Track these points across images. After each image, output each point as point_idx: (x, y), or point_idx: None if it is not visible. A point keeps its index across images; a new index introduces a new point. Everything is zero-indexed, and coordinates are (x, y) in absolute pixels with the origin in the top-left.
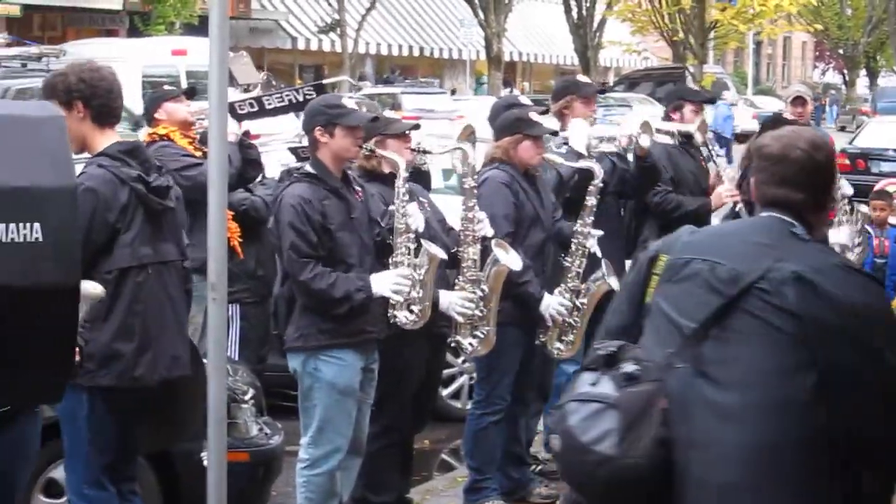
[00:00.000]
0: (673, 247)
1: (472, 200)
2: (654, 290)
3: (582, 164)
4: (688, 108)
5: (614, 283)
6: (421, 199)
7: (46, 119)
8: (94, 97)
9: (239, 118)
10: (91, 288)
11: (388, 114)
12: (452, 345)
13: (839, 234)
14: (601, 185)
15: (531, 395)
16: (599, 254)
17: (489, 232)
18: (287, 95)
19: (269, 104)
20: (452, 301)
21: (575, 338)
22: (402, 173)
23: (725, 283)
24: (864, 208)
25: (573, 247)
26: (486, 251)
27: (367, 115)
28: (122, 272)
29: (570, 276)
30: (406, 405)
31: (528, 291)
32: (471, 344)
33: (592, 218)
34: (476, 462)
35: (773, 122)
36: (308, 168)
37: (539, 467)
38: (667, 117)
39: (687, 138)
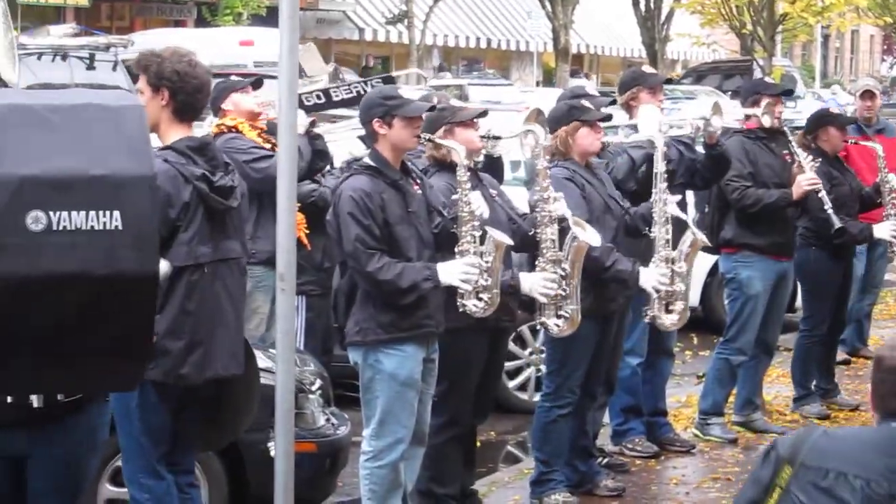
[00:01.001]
0: (798, 453)
1: (545, 181)
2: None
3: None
4: (764, 102)
5: (703, 238)
6: (491, 189)
7: (126, 108)
8: (182, 91)
9: (306, 110)
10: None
11: (455, 102)
12: (537, 326)
13: (882, 229)
14: (665, 149)
15: (600, 389)
16: (682, 215)
17: (566, 213)
18: (355, 87)
19: (337, 96)
20: (534, 283)
21: (683, 305)
22: (463, 161)
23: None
24: None
25: (655, 216)
26: (563, 232)
27: (425, 104)
28: (178, 270)
29: (659, 245)
30: (468, 398)
31: (618, 269)
32: (556, 325)
33: (666, 184)
34: (544, 454)
35: (818, 118)
36: (367, 160)
37: (605, 460)
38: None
39: (767, 132)
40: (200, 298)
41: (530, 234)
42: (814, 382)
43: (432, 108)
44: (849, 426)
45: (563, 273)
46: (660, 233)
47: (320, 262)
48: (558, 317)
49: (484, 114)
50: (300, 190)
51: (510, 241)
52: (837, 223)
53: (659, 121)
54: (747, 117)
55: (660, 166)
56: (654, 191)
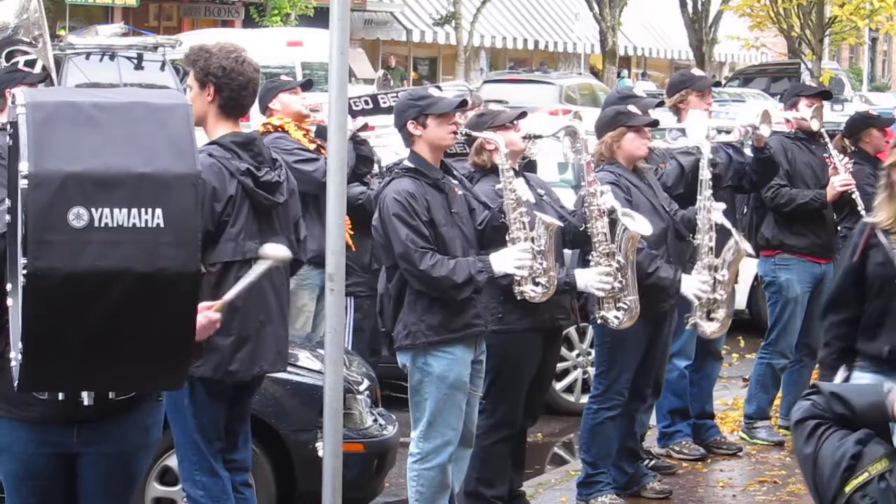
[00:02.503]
0: None
1: (591, 175)
2: None
3: (693, 148)
4: (803, 104)
5: (748, 247)
6: (539, 190)
7: (172, 106)
8: (227, 88)
9: (353, 115)
10: (279, 251)
11: (493, 106)
12: (598, 320)
13: None
14: (711, 156)
15: (648, 391)
16: (727, 224)
17: (615, 204)
18: (403, 94)
19: (384, 102)
20: (590, 279)
21: (725, 314)
22: (503, 150)
23: None
24: None
25: (699, 223)
26: (612, 224)
27: (456, 100)
28: (226, 266)
29: (703, 252)
30: (520, 400)
31: (660, 276)
32: (616, 317)
33: (711, 191)
34: (591, 456)
35: (857, 120)
36: (407, 163)
37: (653, 462)
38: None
39: (807, 133)
40: (248, 294)
41: (581, 229)
42: None
43: (463, 103)
44: None
45: (617, 265)
46: (703, 240)
47: (368, 264)
48: (617, 309)
49: (523, 115)
50: (349, 192)
51: (560, 223)
52: None
53: (707, 126)
54: (787, 121)
55: (705, 173)
56: (698, 198)
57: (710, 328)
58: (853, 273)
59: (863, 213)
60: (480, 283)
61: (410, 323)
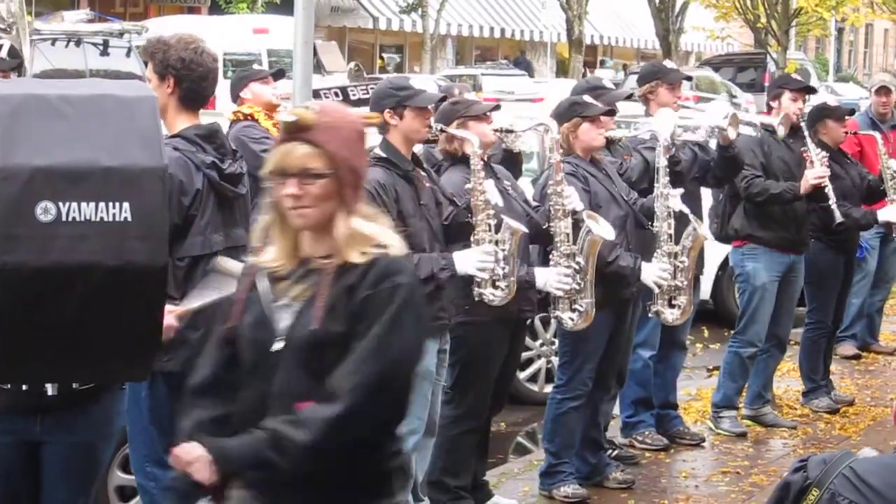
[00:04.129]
0: (827, 479)
1: (558, 175)
2: None
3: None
4: (786, 96)
5: (706, 231)
6: (506, 182)
7: (139, 99)
8: (187, 79)
9: None
10: (231, 265)
11: (469, 96)
12: (552, 318)
13: (887, 213)
14: (667, 144)
15: (613, 381)
16: (685, 210)
17: (578, 205)
18: (371, 87)
19: (354, 95)
20: (549, 279)
21: (686, 300)
22: (476, 150)
23: None
24: None
25: (658, 211)
26: (576, 225)
27: (436, 95)
28: (194, 260)
29: (662, 240)
30: (487, 391)
31: (620, 266)
32: (570, 318)
33: (668, 178)
34: (554, 446)
35: (814, 112)
36: (378, 151)
37: (615, 452)
38: (767, 106)
39: (770, 131)
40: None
41: (543, 227)
42: (821, 376)
43: (443, 99)
44: (881, 455)
45: (577, 267)
46: (662, 227)
47: None
48: (573, 310)
49: (497, 108)
50: None
51: (525, 229)
52: (839, 217)
53: (674, 124)
54: (763, 126)
55: (661, 160)
56: (656, 185)
57: (671, 315)
58: None
59: (833, 206)
60: (442, 281)
61: None
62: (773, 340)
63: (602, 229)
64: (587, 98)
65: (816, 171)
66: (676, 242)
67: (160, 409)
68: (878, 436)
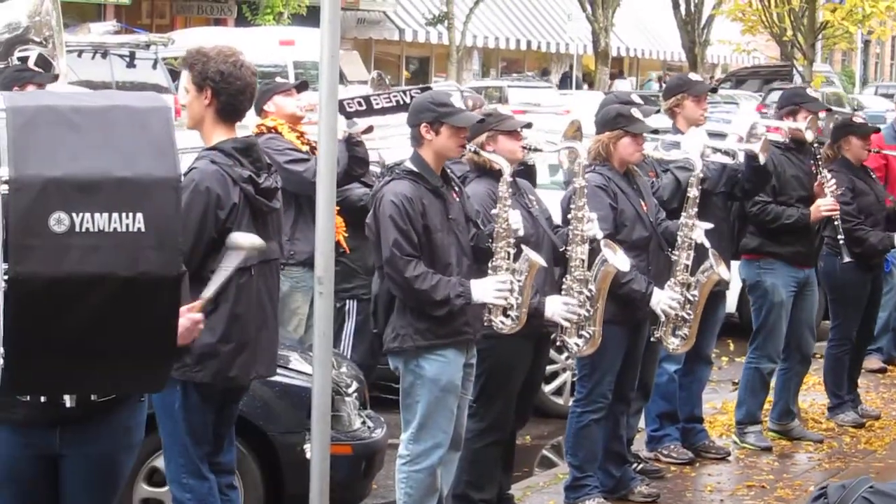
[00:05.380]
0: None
1: (581, 200)
2: None
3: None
4: (801, 115)
5: (724, 272)
6: (530, 196)
7: (152, 109)
8: (224, 93)
9: (347, 116)
10: (249, 239)
11: (501, 109)
12: (557, 343)
13: None
14: (701, 175)
15: (633, 394)
16: (707, 244)
17: (598, 234)
18: (395, 96)
19: (377, 104)
20: (557, 309)
21: (690, 332)
22: (507, 177)
23: None
24: None
25: (679, 240)
26: (594, 251)
27: (475, 115)
28: None
29: (678, 269)
30: (510, 404)
31: (632, 289)
32: (576, 344)
33: (696, 209)
34: (577, 459)
35: (839, 127)
36: (409, 164)
37: (640, 465)
38: (779, 119)
39: (796, 143)
40: (247, 301)
41: (560, 249)
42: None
43: (482, 121)
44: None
45: (588, 294)
46: (681, 257)
47: (372, 267)
48: (579, 336)
49: (529, 125)
50: (352, 193)
51: (544, 263)
52: (846, 257)
53: (704, 143)
54: (792, 136)
55: (693, 191)
56: (683, 214)
57: (672, 344)
58: None
59: (841, 242)
60: (456, 307)
61: (399, 326)
62: (798, 356)
63: (618, 259)
64: (635, 112)
65: (828, 202)
66: (692, 273)
67: (194, 420)
68: None
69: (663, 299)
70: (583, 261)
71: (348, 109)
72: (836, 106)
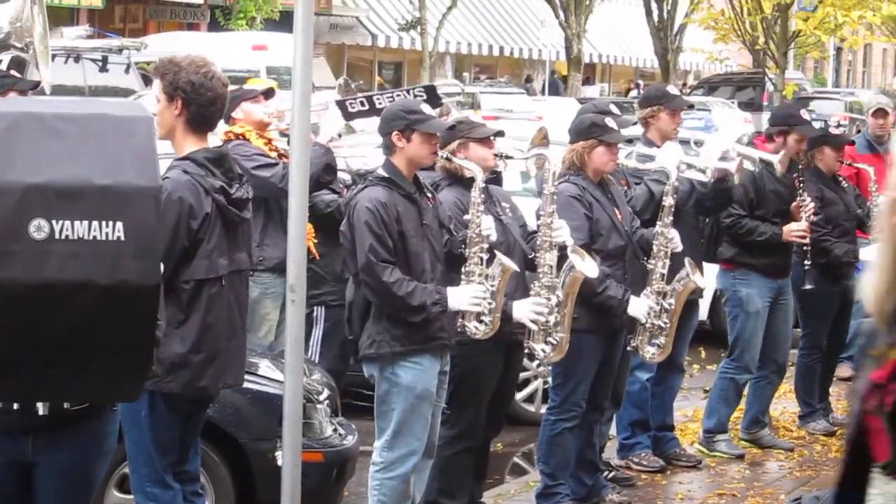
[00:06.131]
0: None
1: (550, 206)
2: None
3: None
4: (793, 137)
5: (700, 280)
6: (503, 203)
7: (135, 119)
8: (195, 103)
9: (348, 117)
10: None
11: (473, 117)
12: (526, 350)
13: (868, 252)
14: (676, 184)
15: (607, 403)
16: (679, 249)
17: (568, 241)
18: (398, 95)
19: (380, 103)
20: (524, 311)
21: (666, 340)
22: (479, 183)
23: None
24: None
25: (655, 248)
26: (563, 258)
27: (445, 122)
28: (199, 283)
29: (654, 278)
30: (482, 411)
31: (608, 296)
32: (543, 350)
33: (672, 218)
34: (549, 467)
35: (816, 137)
36: (381, 172)
37: (612, 473)
38: (770, 137)
39: (769, 165)
40: (218, 311)
41: (529, 256)
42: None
43: (452, 128)
44: None
45: (556, 300)
46: (657, 265)
47: (340, 273)
48: (546, 343)
49: (500, 133)
50: (320, 200)
51: (517, 268)
52: (808, 285)
53: (679, 160)
54: (763, 161)
55: (668, 200)
56: (658, 223)
57: (649, 353)
58: None
59: (806, 268)
60: (432, 315)
61: (375, 333)
62: (773, 367)
63: (586, 266)
64: (609, 122)
65: (801, 226)
66: (668, 282)
67: (160, 430)
68: None
69: (640, 307)
70: (551, 266)
71: (350, 110)
72: (858, 114)
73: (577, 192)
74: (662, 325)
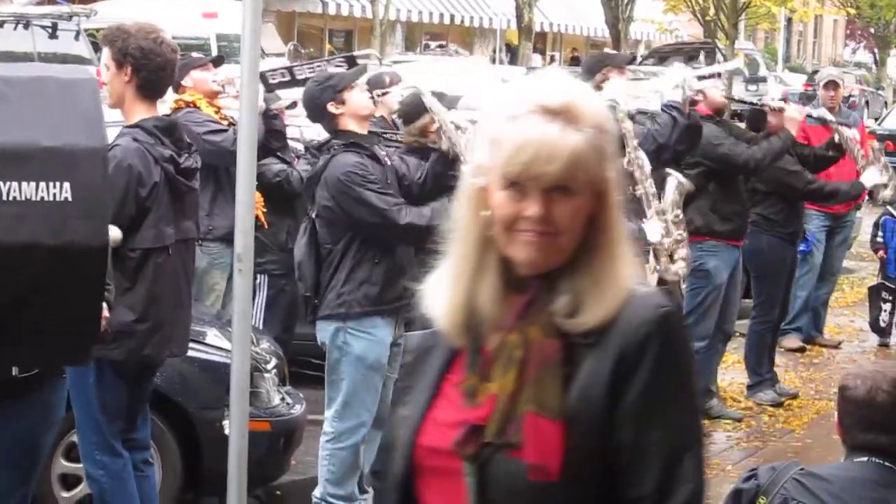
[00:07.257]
0: (775, 487)
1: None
2: None
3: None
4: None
5: (685, 181)
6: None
7: (80, 81)
8: (145, 69)
9: (270, 88)
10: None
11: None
12: None
13: (869, 177)
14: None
15: None
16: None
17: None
18: (318, 66)
19: (301, 74)
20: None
21: (686, 252)
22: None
23: None
24: (875, 143)
25: (637, 175)
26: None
27: (357, 68)
28: (146, 252)
29: (648, 201)
30: None
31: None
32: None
33: (636, 140)
34: None
35: (754, 114)
36: (340, 140)
37: None
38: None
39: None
40: (164, 280)
41: None
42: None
43: (362, 69)
44: (824, 464)
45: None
46: (645, 189)
47: (284, 242)
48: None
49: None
50: (268, 170)
51: None
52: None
53: (625, 92)
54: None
55: (626, 123)
56: (626, 150)
57: (674, 269)
58: None
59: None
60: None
61: (347, 292)
62: (720, 335)
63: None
64: (607, 49)
65: (794, 107)
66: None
67: (108, 397)
68: (821, 429)
69: (656, 230)
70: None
71: (271, 81)
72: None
73: None
74: (678, 238)
